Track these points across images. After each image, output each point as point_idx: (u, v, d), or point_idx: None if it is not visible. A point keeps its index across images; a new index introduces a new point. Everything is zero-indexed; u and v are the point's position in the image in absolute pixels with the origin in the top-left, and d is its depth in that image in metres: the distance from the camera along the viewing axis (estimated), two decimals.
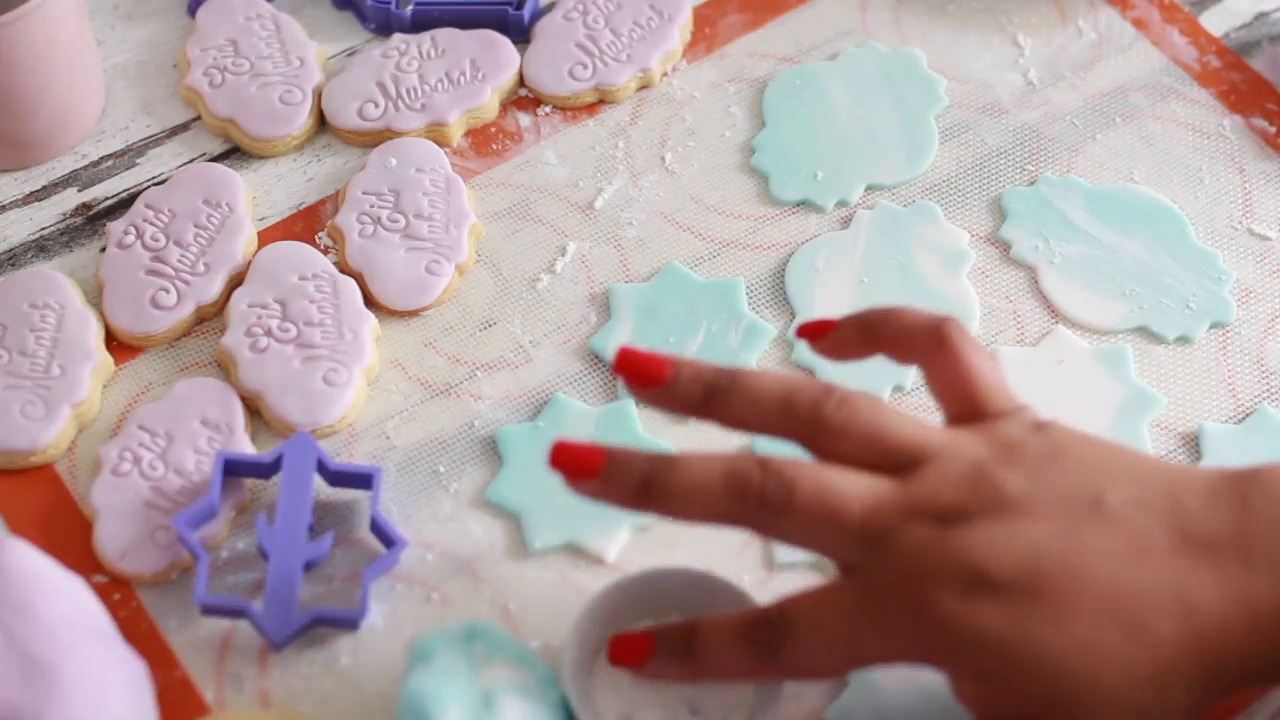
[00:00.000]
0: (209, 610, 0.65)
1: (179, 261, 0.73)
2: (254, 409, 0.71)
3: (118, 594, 0.67)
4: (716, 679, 0.60)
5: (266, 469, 0.68)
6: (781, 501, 0.57)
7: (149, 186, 0.77)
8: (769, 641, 0.57)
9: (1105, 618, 0.54)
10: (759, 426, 0.59)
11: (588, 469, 0.59)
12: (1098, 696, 0.54)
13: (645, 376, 0.60)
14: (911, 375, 0.71)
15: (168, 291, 0.73)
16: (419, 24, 0.81)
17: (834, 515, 0.57)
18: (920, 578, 0.55)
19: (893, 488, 0.57)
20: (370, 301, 0.73)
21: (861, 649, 0.56)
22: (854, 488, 0.57)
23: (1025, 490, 0.56)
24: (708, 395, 0.59)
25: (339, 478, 0.68)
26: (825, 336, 0.63)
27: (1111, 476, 0.57)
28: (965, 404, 0.60)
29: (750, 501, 0.57)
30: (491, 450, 0.70)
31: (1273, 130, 0.78)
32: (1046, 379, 0.71)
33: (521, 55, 0.80)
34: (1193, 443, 0.70)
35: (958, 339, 0.60)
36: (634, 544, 0.68)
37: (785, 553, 0.67)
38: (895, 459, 0.58)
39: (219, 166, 0.76)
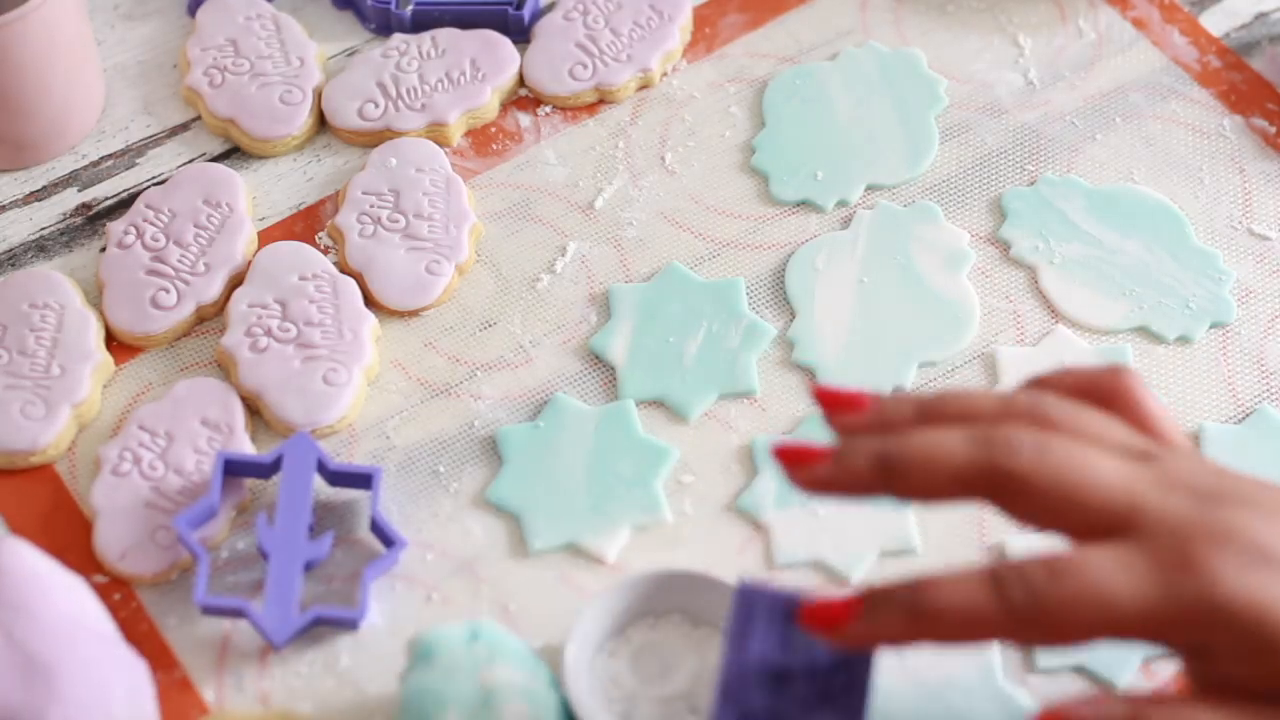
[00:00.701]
0: (209, 610, 0.65)
1: (179, 261, 0.73)
2: (254, 409, 0.71)
3: (118, 594, 0.67)
4: (942, 638, 0.53)
5: (266, 469, 0.68)
6: (1034, 456, 0.53)
7: (149, 186, 0.77)
8: (1027, 592, 0.52)
9: None
10: (985, 423, 0.56)
11: (812, 457, 0.55)
12: None
13: (844, 406, 0.57)
14: (911, 375, 0.71)
15: (168, 291, 0.73)
16: (419, 24, 0.81)
17: (1091, 476, 0.53)
18: (1201, 542, 0.52)
19: (1141, 467, 0.55)
20: (370, 301, 0.73)
21: (1136, 612, 0.52)
22: (1105, 456, 0.54)
23: (1264, 493, 0.55)
24: (920, 408, 0.56)
25: (339, 478, 0.68)
26: None
27: None
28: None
29: (999, 457, 0.54)
30: (491, 450, 0.70)
31: (1273, 130, 0.78)
32: None
33: (521, 55, 0.80)
34: (1193, 443, 0.70)
35: (1137, 385, 0.58)
36: (634, 544, 0.68)
37: (785, 552, 0.67)
38: (1130, 453, 0.55)
39: (219, 166, 0.76)
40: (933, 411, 0.56)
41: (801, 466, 0.55)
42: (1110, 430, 0.56)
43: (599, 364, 0.72)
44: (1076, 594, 0.52)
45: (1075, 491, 0.53)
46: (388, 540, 0.67)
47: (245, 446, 0.69)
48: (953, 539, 0.68)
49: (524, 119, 0.79)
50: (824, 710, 0.56)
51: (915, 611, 0.53)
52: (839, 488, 0.55)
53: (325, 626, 0.65)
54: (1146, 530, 0.53)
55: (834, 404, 0.57)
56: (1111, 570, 0.52)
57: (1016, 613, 0.52)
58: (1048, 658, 0.65)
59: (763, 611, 0.57)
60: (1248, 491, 0.54)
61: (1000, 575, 0.53)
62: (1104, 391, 0.58)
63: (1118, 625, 0.52)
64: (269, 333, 0.71)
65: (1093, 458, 0.54)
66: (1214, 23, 0.82)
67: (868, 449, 0.55)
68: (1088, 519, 0.54)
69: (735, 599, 0.57)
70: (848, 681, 0.56)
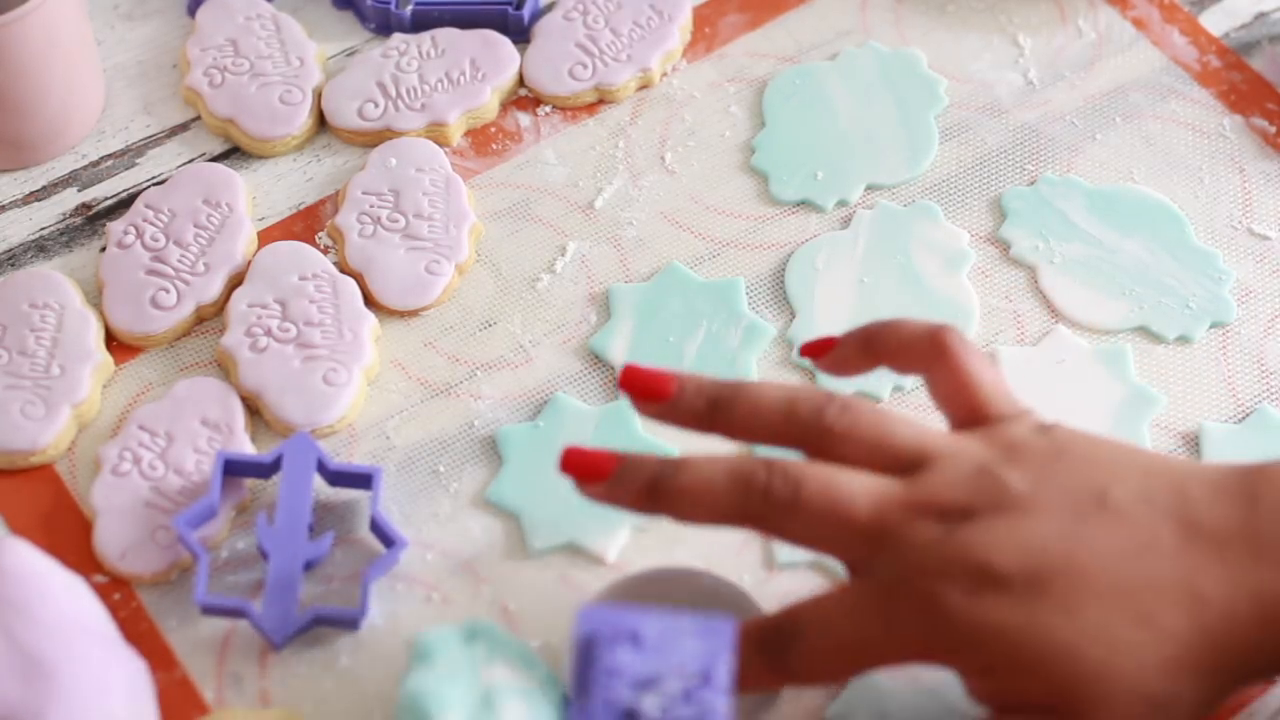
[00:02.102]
0: (209, 610, 0.65)
1: (179, 261, 0.73)
2: (254, 409, 0.71)
3: (118, 594, 0.67)
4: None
5: (266, 469, 0.68)
6: (788, 499, 0.57)
7: (149, 186, 0.77)
8: (778, 648, 0.57)
9: (1114, 609, 0.55)
10: (763, 436, 0.60)
11: (597, 473, 0.60)
12: (1108, 684, 0.54)
13: (650, 393, 0.61)
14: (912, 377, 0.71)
15: (168, 291, 0.73)
16: (419, 24, 0.81)
17: (840, 513, 0.57)
18: (927, 575, 0.56)
19: (898, 487, 0.58)
20: (370, 301, 0.73)
21: (871, 650, 0.57)
22: (860, 487, 0.57)
23: (1030, 488, 0.57)
24: (711, 408, 0.61)
25: (339, 478, 0.68)
26: (827, 353, 0.64)
27: (1117, 472, 0.57)
28: (968, 410, 0.60)
29: (756, 499, 0.58)
30: (491, 450, 0.70)
31: (1273, 130, 0.78)
32: (1046, 379, 0.71)
33: (521, 55, 0.80)
34: (1193, 442, 0.70)
35: (956, 346, 0.60)
36: (634, 544, 0.68)
37: (785, 552, 0.67)
38: (899, 462, 0.58)
39: (219, 166, 0.76)
40: (722, 412, 0.60)
41: (586, 479, 0.60)
42: (885, 438, 0.59)
43: (599, 364, 0.72)
44: (817, 647, 0.57)
45: (826, 527, 0.57)
46: (388, 540, 0.67)
47: (245, 446, 0.69)
48: None
49: (524, 119, 0.79)
50: None
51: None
52: (616, 504, 0.60)
53: (325, 626, 0.65)
54: (886, 561, 0.57)
55: (640, 390, 0.61)
56: (842, 617, 0.57)
57: (779, 673, 0.58)
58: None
59: (604, 641, 0.57)
60: (1010, 492, 0.57)
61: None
62: (923, 354, 0.61)
63: (862, 662, 0.57)
64: (269, 333, 0.71)
65: (848, 489, 0.57)
66: (1214, 23, 0.82)
67: (643, 475, 0.59)
68: (841, 548, 0.58)
69: (576, 628, 0.57)
70: (699, 714, 0.56)
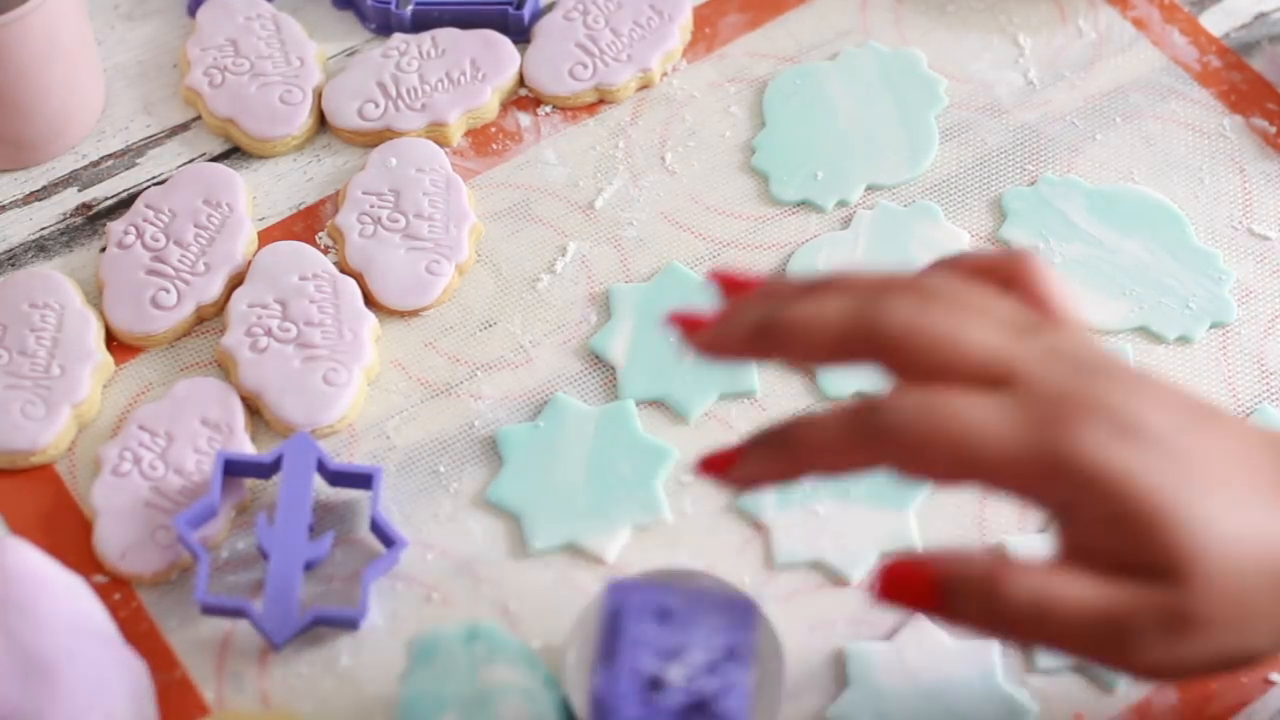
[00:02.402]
0: (209, 610, 0.65)
1: (179, 261, 0.73)
2: (254, 409, 0.71)
3: (118, 594, 0.67)
4: (814, 470, 0.55)
5: (266, 469, 0.68)
6: (907, 319, 0.54)
7: (149, 186, 0.77)
8: (887, 426, 0.53)
9: (1236, 502, 0.53)
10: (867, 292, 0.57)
11: (702, 322, 0.57)
12: (1224, 569, 0.52)
13: (741, 288, 0.58)
14: None
15: (168, 291, 0.73)
16: (419, 24, 0.81)
17: (965, 339, 0.54)
18: (1069, 406, 0.53)
19: (1024, 338, 0.55)
20: (370, 301, 0.73)
21: (991, 459, 0.52)
22: (983, 325, 0.54)
23: (1135, 376, 0.55)
24: (809, 283, 0.57)
25: (339, 478, 0.68)
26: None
27: (1207, 401, 0.56)
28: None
29: (872, 321, 0.54)
30: (491, 450, 0.70)
31: (1273, 130, 0.78)
32: None
33: (521, 55, 0.80)
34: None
35: (1039, 269, 0.58)
36: (634, 544, 0.68)
37: (786, 553, 0.67)
38: (1014, 326, 0.55)
39: (219, 166, 0.76)
40: (819, 286, 0.56)
41: (693, 331, 0.57)
42: (996, 306, 0.56)
43: (599, 364, 0.72)
44: (941, 428, 0.52)
45: (952, 351, 0.54)
46: (388, 540, 0.67)
47: (245, 446, 0.69)
48: (953, 538, 0.68)
49: (524, 119, 0.79)
50: (698, 719, 0.57)
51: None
52: (724, 349, 0.56)
53: (325, 626, 0.65)
54: (1022, 390, 0.53)
55: (728, 286, 0.58)
56: (982, 413, 0.52)
57: (879, 443, 0.53)
58: (1047, 659, 0.65)
59: (632, 613, 0.57)
60: (1127, 373, 0.54)
61: (869, 405, 0.53)
62: (1003, 274, 0.58)
63: (979, 466, 0.52)
64: (269, 333, 0.71)
65: (971, 323, 0.54)
66: (1214, 23, 0.82)
67: (751, 314, 0.56)
68: (965, 378, 0.54)
69: (602, 602, 0.58)
70: (723, 687, 0.57)
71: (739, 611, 0.59)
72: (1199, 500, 0.52)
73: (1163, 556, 0.52)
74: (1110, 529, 0.53)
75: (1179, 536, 0.52)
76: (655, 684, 0.57)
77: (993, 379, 0.53)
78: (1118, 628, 0.52)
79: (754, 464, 0.55)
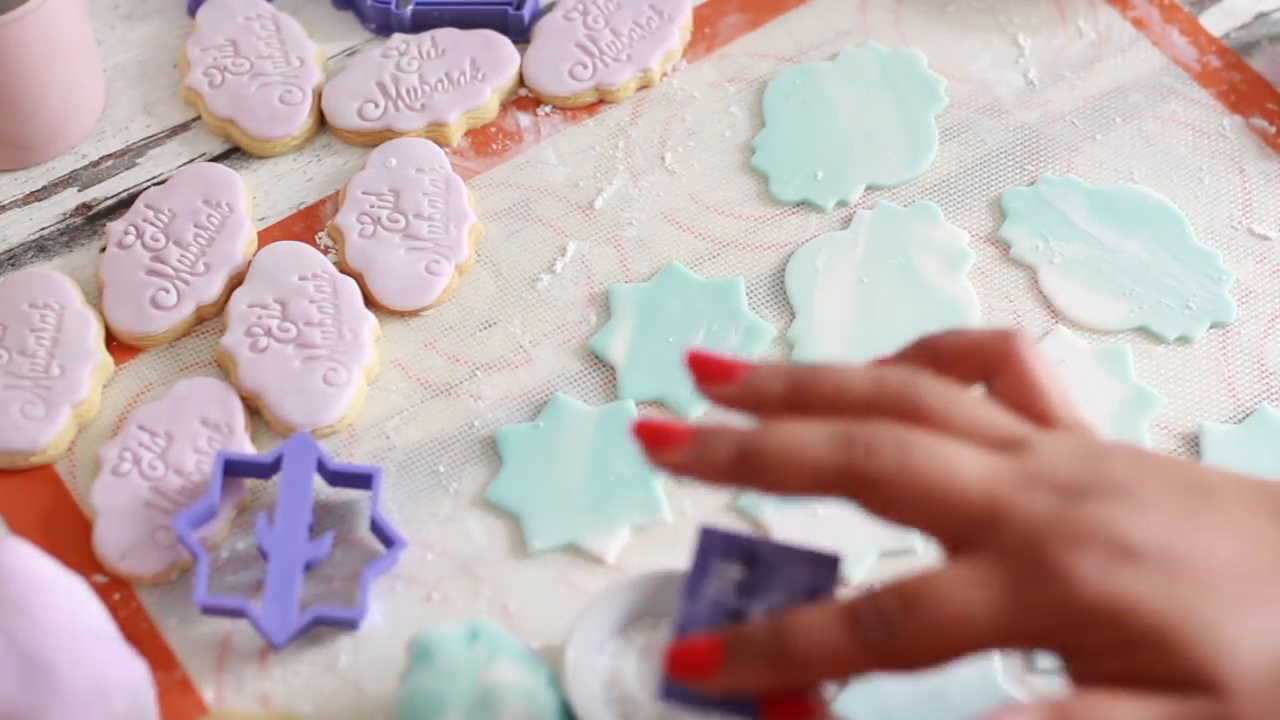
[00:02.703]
0: (209, 610, 0.65)
1: (179, 261, 0.73)
2: (254, 409, 0.71)
3: (118, 594, 0.67)
4: (809, 679, 0.54)
5: (266, 469, 0.68)
6: (894, 462, 0.53)
7: (149, 186, 0.77)
8: (880, 625, 0.52)
9: (1246, 594, 0.53)
10: (852, 414, 0.55)
11: (673, 440, 0.55)
12: (1247, 663, 0.52)
13: (716, 374, 0.56)
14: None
15: (168, 291, 0.73)
16: (419, 24, 0.81)
17: (951, 480, 0.53)
18: (1057, 545, 0.52)
19: (1007, 461, 0.54)
20: (370, 301, 0.73)
21: (991, 627, 0.52)
22: (969, 455, 0.54)
23: (1135, 477, 0.54)
24: (792, 387, 0.56)
25: (339, 478, 0.68)
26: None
27: (1205, 471, 0.56)
28: (1036, 418, 0.57)
29: (858, 463, 0.53)
30: (491, 450, 0.70)
31: (1273, 130, 0.78)
32: None
33: (521, 55, 0.80)
34: (1193, 443, 0.70)
35: (1026, 352, 0.57)
36: (634, 544, 0.68)
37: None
38: (997, 441, 0.55)
39: (219, 166, 0.76)
40: (803, 393, 0.55)
41: (661, 449, 0.54)
42: (983, 417, 0.55)
43: (599, 364, 0.72)
44: (932, 622, 0.52)
45: (935, 496, 0.53)
46: (388, 540, 0.67)
47: (245, 446, 0.69)
48: None
49: (524, 119, 0.79)
50: None
51: (776, 658, 0.53)
52: (698, 475, 0.54)
53: (325, 626, 0.65)
54: (1006, 533, 0.52)
55: (705, 371, 0.56)
56: (965, 590, 0.52)
57: (876, 651, 0.52)
58: (1047, 659, 0.65)
59: (718, 554, 0.58)
60: (1119, 478, 0.54)
61: (857, 613, 0.52)
62: (990, 358, 0.57)
63: (979, 643, 0.52)
64: (269, 333, 0.71)
65: (955, 458, 0.53)
66: (1214, 23, 0.82)
67: (729, 440, 0.54)
68: (948, 522, 0.53)
69: (695, 542, 0.58)
70: None
71: (824, 564, 0.57)
72: (1206, 608, 0.52)
73: (1185, 672, 0.52)
74: (1126, 657, 0.52)
75: (1195, 650, 0.52)
76: (736, 616, 0.56)
77: (978, 520, 0.53)
78: None
79: (741, 672, 0.54)
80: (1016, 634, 0.52)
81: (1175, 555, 0.52)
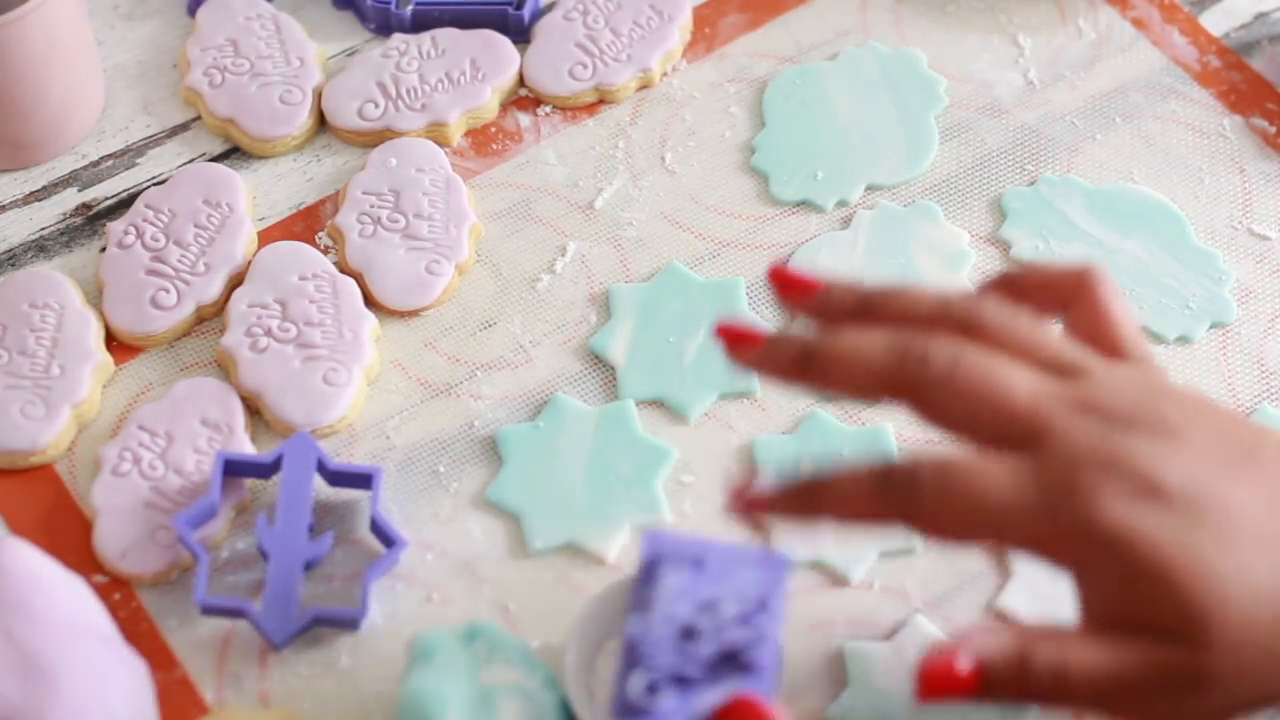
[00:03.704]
0: (209, 610, 0.65)
1: (179, 261, 0.73)
2: (254, 409, 0.71)
3: (118, 594, 0.67)
4: (833, 516, 0.56)
5: (266, 469, 0.68)
6: (945, 370, 0.55)
7: (149, 186, 0.77)
8: (907, 484, 0.55)
9: (1262, 554, 0.54)
10: (915, 327, 0.58)
11: (750, 341, 0.58)
12: (1240, 623, 0.53)
13: (799, 290, 0.60)
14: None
15: (168, 291, 0.73)
16: (419, 24, 0.81)
17: (999, 393, 0.55)
18: (1090, 469, 0.54)
19: (1059, 384, 0.56)
20: (370, 301, 0.73)
21: (1011, 519, 0.54)
22: (1020, 374, 0.56)
23: (1185, 421, 0.56)
24: (862, 304, 0.59)
25: (339, 478, 0.68)
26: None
27: (1258, 431, 0.57)
28: (1107, 348, 0.59)
29: (911, 368, 0.55)
30: (491, 450, 0.70)
31: (1273, 130, 0.78)
32: None
33: (521, 55, 0.80)
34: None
35: (1101, 284, 0.59)
36: (634, 544, 0.68)
37: (786, 552, 0.67)
38: (1056, 366, 0.57)
39: (219, 166, 0.76)
40: (872, 307, 0.58)
41: (739, 347, 0.58)
42: (1043, 342, 0.57)
43: (599, 364, 0.72)
44: (957, 491, 0.54)
45: (982, 405, 0.55)
46: (388, 540, 0.67)
47: (245, 446, 0.69)
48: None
49: (524, 119, 0.79)
50: (728, 669, 0.57)
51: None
52: (768, 370, 0.58)
53: (325, 626, 0.65)
54: (1046, 449, 0.54)
55: (786, 286, 0.60)
56: (998, 479, 0.54)
57: (898, 500, 0.55)
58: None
59: (665, 560, 0.59)
60: (1168, 417, 0.55)
61: (891, 470, 0.55)
62: (1065, 291, 0.59)
63: (996, 530, 0.54)
64: (269, 333, 0.71)
65: (1007, 373, 0.55)
66: (1214, 23, 0.82)
67: (798, 341, 0.57)
68: (994, 431, 0.55)
69: (641, 548, 0.59)
70: (754, 638, 0.58)
71: (773, 566, 0.59)
72: (1217, 558, 0.53)
73: (1176, 617, 0.53)
74: (1125, 591, 0.54)
75: (1193, 597, 0.53)
76: (688, 633, 0.58)
77: (1022, 434, 0.55)
78: (1127, 688, 0.54)
79: (780, 503, 0.57)
80: (1032, 534, 0.54)
81: (1201, 502, 0.54)
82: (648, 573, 0.59)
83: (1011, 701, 0.54)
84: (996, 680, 0.54)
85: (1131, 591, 0.54)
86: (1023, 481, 0.54)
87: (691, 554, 0.59)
